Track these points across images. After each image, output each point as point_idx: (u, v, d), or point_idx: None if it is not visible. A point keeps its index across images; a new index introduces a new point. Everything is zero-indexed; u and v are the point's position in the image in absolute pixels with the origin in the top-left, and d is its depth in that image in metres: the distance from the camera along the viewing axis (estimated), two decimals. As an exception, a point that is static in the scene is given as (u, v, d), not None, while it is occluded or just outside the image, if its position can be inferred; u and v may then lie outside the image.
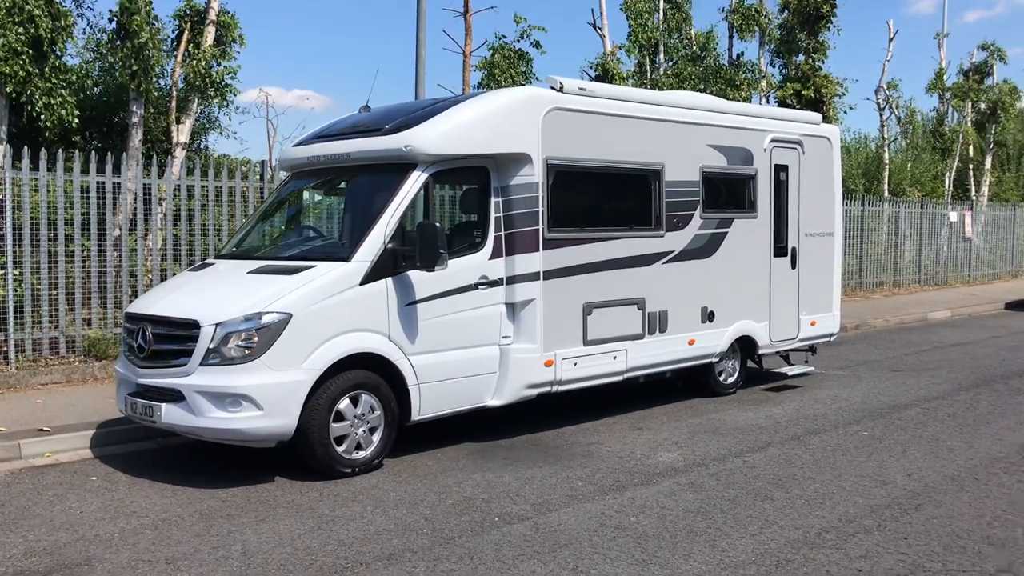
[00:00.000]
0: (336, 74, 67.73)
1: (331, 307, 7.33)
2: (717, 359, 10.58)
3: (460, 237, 8.66)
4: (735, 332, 10.75)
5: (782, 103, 22.58)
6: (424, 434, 8.49)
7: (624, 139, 9.33)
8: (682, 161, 9.96)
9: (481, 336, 8.34)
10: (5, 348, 10.81)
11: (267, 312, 7.11)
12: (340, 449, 7.41)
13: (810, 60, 22.97)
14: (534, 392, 8.67)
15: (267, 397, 7.02)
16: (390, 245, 7.65)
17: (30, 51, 11.26)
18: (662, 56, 21.16)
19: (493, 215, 8.42)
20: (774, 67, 24.60)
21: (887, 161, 28.59)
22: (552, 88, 8.83)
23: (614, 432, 8.96)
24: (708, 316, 10.34)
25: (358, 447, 7.53)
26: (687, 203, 10.05)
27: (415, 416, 7.89)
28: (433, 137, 8.05)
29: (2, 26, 11.03)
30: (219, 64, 13.03)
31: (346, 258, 7.57)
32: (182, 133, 13.15)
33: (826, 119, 22.70)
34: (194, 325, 7.19)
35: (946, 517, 6.32)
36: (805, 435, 8.78)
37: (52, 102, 11.59)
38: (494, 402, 8.47)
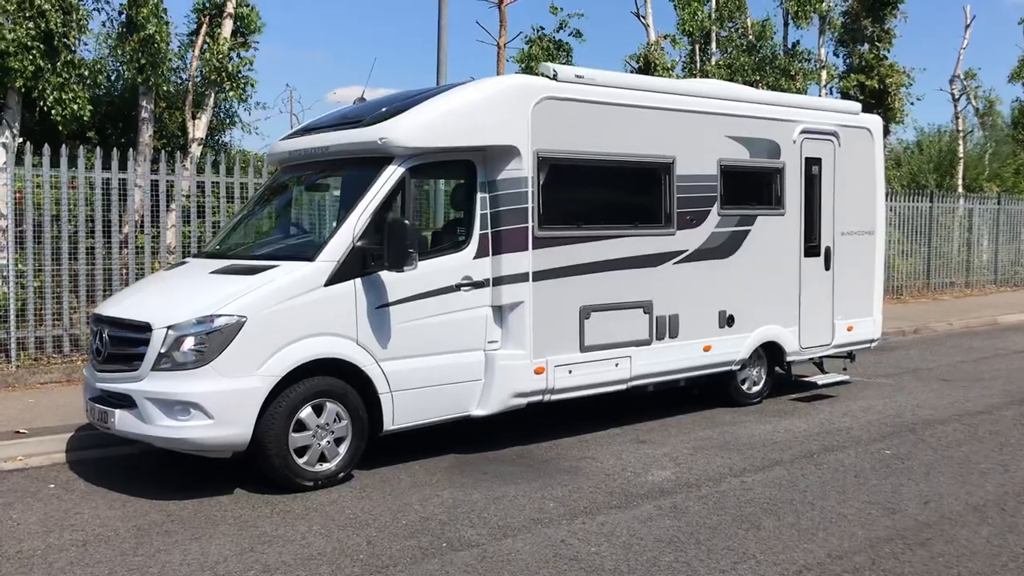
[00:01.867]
0: (412, 73, 67.91)
1: (291, 309, 6.87)
2: (738, 367, 9.84)
3: (442, 235, 8.15)
4: (759, 338, 9.99)
5: (844, 94, 21.50)
6: (408, 443, 7.99)
7: (629, 130, 8.68)
8: (697, 154, 9.26)
9: (464, 341, 7.80)
10: (7, 346, 10.69)
11: (219, 315, 6.69)
12: (301, 461, 6.95)
13: (874, 49, 21.80)
14: (523, 401, 8.10)
15: (218, 405, 6.60)
16: (360, 243, 7.16)
17: (41, 46, 11.10)
18: (714, 46, 20.25)
19: (479, 212, 7.87)
20: (837, 56, 23.46)
21: (961, 155, 27.08)
22: (545, 76, 8.22)
23: (613, 445, 8.33)
24: (727, 321, 9.61)
25: (322, 459, 7.07)
26: (702, 199, 9.33)
27: (388, 426, 7.40)
28: (409, 129, 7.54)
29: (13, 21, 10.87)
30: (236, 56, 12.73)
31: (311, 257, 7.11)
32: (198, 128, 12.92)
33: (891, 110, 21.67)
34: (146, 328, 6.82)
35: (955, 556, 5.55)
36: (820, 452, 8.02)
37: (64, 97, 11.42)
38: (479, 412, 7.93)
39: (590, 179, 8.58)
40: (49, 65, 11.37)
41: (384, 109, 7.94)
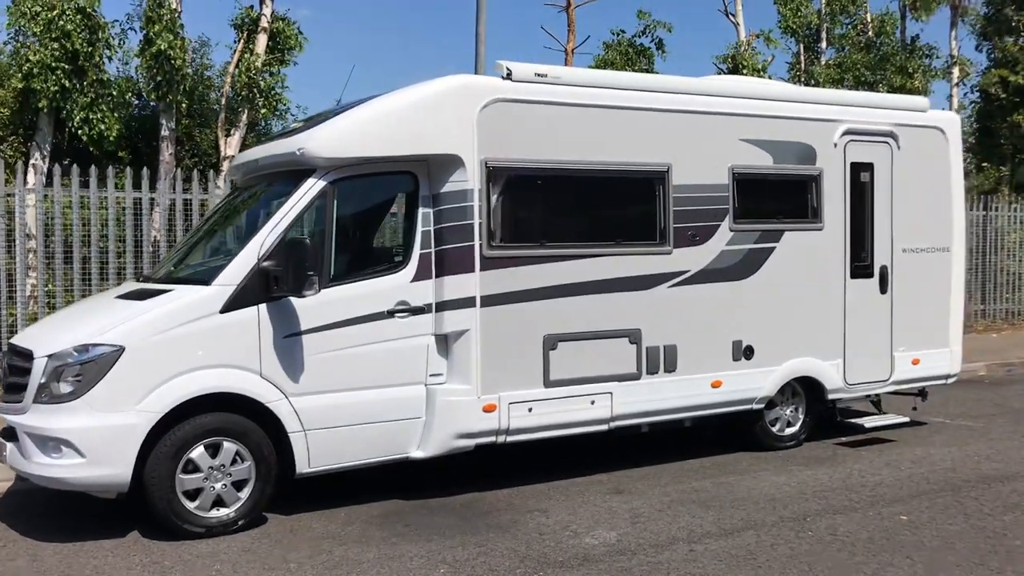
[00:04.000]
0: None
1: (178, 339, 6.24)
2: (761, 406, 8.50)
3: (374, 255, 7.35)
4: (788, 372, 8.62)
5: (984, 92, 19.24)
6: (353, 485, 7.23)
7: (608, 135, 7.61)
8: (700, 160, 8.06)
9: (400, 374, 6.96)
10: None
11: (96, 344, 6.14)
12: (191, 505, 6.29)
13: (1019, 41, 19.38)
14: (470, 443, 7.17)
15: (89, 443, 6.04)
16: (266, 265, 6.45)
17: (65, 66, 11.11)
18: (824, 44, 18.51)
19: (420, 229, 7.02)
20: (980, 51, 21.06)
21: None
22: (500, 76, 7.28)
23: (580, 496, 7.25)
24: (743, 352, 8.32)
25: (219, 503, 6.39)
26: (709, 212, 8.11)
27: (302, 469, 6.65)
28: (328, 138, 6.81)
29: (39, 42, 10.93)
30: (271, 72, 12.41)
31: (207, 281, 6.47)
32: (230, 146, 12.68)
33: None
34: (30, 356, 6.36)
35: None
36: (818, 514, 6.67)
37: (92, 117, 11.39)
38: (419, 454, 7.06)
39: (557, 192, 7.56)
40: (77, 85, 11.35)
41: (319, 118, 7.25)
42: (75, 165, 10.50)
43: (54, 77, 10.96)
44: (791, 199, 8.66)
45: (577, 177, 7.57)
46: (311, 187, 6.72)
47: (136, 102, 13.78)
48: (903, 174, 9.22)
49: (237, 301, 6.39)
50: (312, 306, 6.59)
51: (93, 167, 10.34)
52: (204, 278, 6.54)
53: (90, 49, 11.23)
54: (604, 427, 7.72)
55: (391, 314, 6.88)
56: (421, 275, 6.99)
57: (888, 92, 18.11)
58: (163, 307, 6.32)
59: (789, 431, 8.89)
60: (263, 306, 6.46)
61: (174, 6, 11.77)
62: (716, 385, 8.18)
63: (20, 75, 10.74)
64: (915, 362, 9.34)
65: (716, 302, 8.15)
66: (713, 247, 8.13)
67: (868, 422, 9.14)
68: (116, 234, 10.83)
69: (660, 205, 7.87)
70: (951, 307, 9.62)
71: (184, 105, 12.55)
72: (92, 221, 10.50)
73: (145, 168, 10.78)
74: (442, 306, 7.02)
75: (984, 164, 21.45)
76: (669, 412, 8.02)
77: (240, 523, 6.43)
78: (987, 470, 7.95)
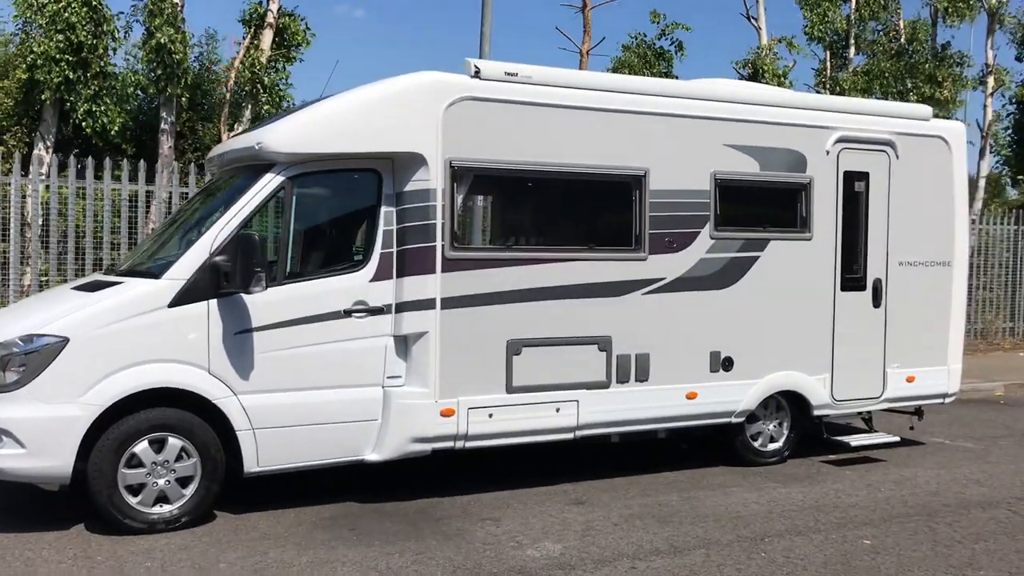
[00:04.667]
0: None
1: (124, 332, 6.17)
2: (740, 419, 8.25)
3: (333, 254, 7.23)
4: (770, 386, 8.35)
5: (1021, 103, 18.63)
6: (315, 484, 7.13)
7: (581, 137, 7.42)
8: (680, 165, 7.84)
9: (356, 375, 6.84)
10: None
11: (40, 335, 6.10)
12: (133, 501, 6.23)
13: (1061, 50, 18.76)
14: (427, 447, 7.02)
15: (29, 433, 6.00)
16: (218, 260, 6.37)
17: (69, 57, 11.18)
18: (853, 51, 18.07)
19: (382, 228, 6.90)
20: (1021, 61, 20.42)
21: None
22: (469, 74, 7.13)
23: (537, 506, 7.07)
24: (722, 363, 8.07)
25: (162, 500, 6.32)
26: (688, 218, 7.89)
27: (251, 468, 6.55)
28: (287, 132, 6.73)
29: (44, 34, 11.01)
30: (275, 67, 12.39)
31: (157, 274, 6.41)
32: (234, 140, 12.64)
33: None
34: (-22, 345, 6.34)
35: None
36: (778, 535, 6.42)
37: (96, 109, 11.45)
38: (373, 457, 6.93)
39: (526, 194, 7.41)
40: (81, 77, 11.42)
41: (289, 112, 7.17)
42: (72, 156, 10.54)
43: (58, 69, 11.04)
44: (778, 207, 8.40)
45: (548, 180, 7.39)
46: (268, 182, 6.63)
47: (141, 95, 13.86)
48: (901, 184, 8.90)
49: (187, 295, 6.31)
50: (265, 303, 6.50)
51: (90, 159, 10.39)
52: (156, 271, 6.48)
53: (94, 41, 11.28)
54: (570, 436, 7.53)
55: (348, 314, 6.76)
56: (381, 275, 6.87)
57: (919, 101, 17.67)
58: (110, 300, 6.27)
59: (772, 447, 8.62)
60: (214, 301, 6.38)
61: (176, 0, 11.80)
62: (691, 396, 7.94)
63: (24, 66, 10.82)
64: (910, 379, 9.01)
65: (693, 311, 7.92)
66: (692, 255, 7.89)
67: (855, 440, 8.82)
68: (114, 226, 10.86)
69: (635, 210, 7.67)
70: (951, 323, 9.27)
71: (185, 99, 12.58)
72: (87, 213, 10.53)
73: (141, 161, 10.80)
74: (401, 307, 6.89)
75: (1021, 177, 20.83)
76: (640, 423, 7.81)
77: (184, 520, 6.34)
78: (972, 495, 7.61)
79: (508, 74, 7.19)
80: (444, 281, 6.93)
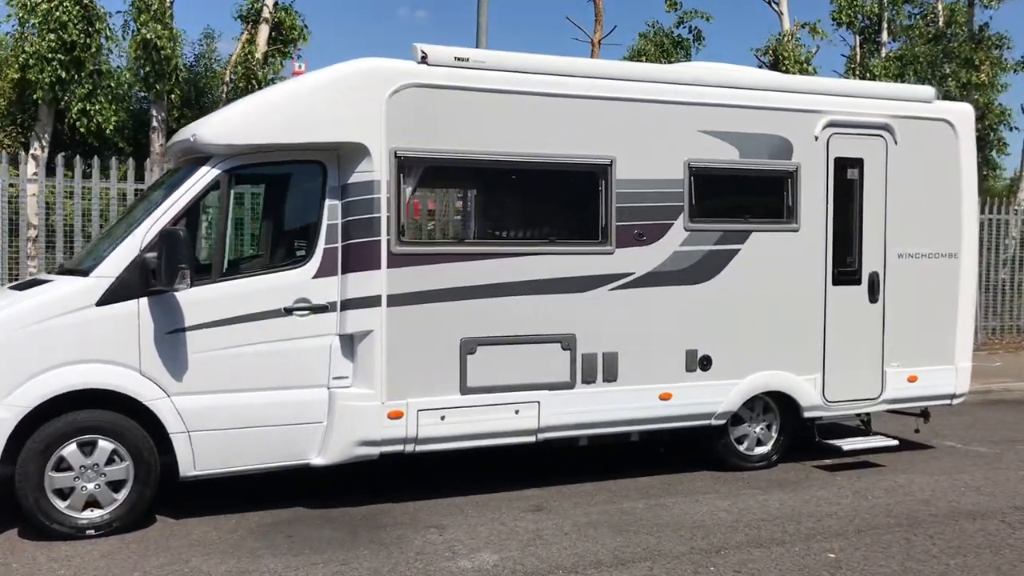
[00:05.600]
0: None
1: (49, 331, 5.99)
2: (722, 421, 7.80)
3: (274, 249, 6.98)
4: (754, 386, 7.88)
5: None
6: (272, 488, 6.90)
7: (540, 125, 7.05)
8: (650, 153, 7.42)
9: (299, 376, 6.58)
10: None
11: (-36, 335, 5.95)
12: (61, 505, 6.04)
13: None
14: (374, 451, 6.73)
15: (-49, 436, 5.86)
16: (148, 256, 6.15)
17: (61, 56, 11.15)
18: (885, 35, 17.31)
19: (326, 223, 6.62)
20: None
21: None
22: (416, 59, 6.81)
23: (489, 512, 6.73)
24: (699, 363, 7.63)
25: (92, 504, 6.13)
26: (659, 210, 7.46)
27: (187, 472, 6.33)
28: (221, 123, 6.51)
29: (38, 34, 11.00)
30: (273, 62, 12.23)
31: (87, 272, 6.22)
32: (229, 138, 12.50)
33: None
34: (-93, 346, 6.21)
35: None
36: (736, 548, 5.99)
37: (91, 109, 11.40)
38: (319, 461, 6.66)
39: (480, 185, 7.09)
40: (75, 76, 11.38)
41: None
42: (60, 156, 10.48)
43: (50, 68, 11.01)
44: (760, 197, 7.92)
45: (504, 170, 7.05)
46: (203, 176, 6.40)
47: (138, 94, 13.83)
48: (901, 171, 8.35)
49: (116, 294, 6.11)
50: (200, 301, 6.28)
51: (78, 157, 10.32)
52: (87, 269, 6.29)
53: (87, 40, 11.24)
54: (531, 439, 7.17)
55: (288, 312, 6.50)
56: (325, 271, 6.59)
57: (957, 87, 16.86)
58: (36, 299, 6.10)
59: (759, 450, 8.14)
60: (144, 300, 6.16)
61: (165, -4, 11.74)
62: (665, 397, 7.52)
63: (16, 66, 10.82)
64: (912, 379, 8.45)
65: (667, 307, 7.50)
66: (664, 248, 7.47)
67: (848, 444, 8.27)
68: (103, 224, 10.77)
69: (601, 202, 7.27)
70: (958, 319, 8.67)
71: (175, 96, 12.49)
72: (77, 212, 10.47)
73: (131, 159, 10.71)
74: (346, 305, 6.61)
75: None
76: (608, 425, 7.42)
77: (115, 525, 6.15)
78: (965, 504, 7.06)
79: (458, 59, 6.85)
80: (390, 277, 6.63)
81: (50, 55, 11.02)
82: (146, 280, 6.13)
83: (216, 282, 6.39)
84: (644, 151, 7.38)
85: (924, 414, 8.84)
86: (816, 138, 7.99)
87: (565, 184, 7.29)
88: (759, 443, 8.15)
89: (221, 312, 6.34)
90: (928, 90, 8.76)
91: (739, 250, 7.73)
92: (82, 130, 11.52)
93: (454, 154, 6.82)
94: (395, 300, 6.65)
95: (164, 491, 6.41)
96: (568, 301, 7.17)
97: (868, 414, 8.63)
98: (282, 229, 7.19)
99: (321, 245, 6.60)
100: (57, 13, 11.02)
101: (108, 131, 11.76)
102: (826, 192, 8.06)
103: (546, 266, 7.09)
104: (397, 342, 6.66)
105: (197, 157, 6.66)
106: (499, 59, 7.02)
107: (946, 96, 17.02)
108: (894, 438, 8.69)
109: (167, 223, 6.22)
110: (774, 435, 8.17)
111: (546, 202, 7.30)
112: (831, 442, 8.24)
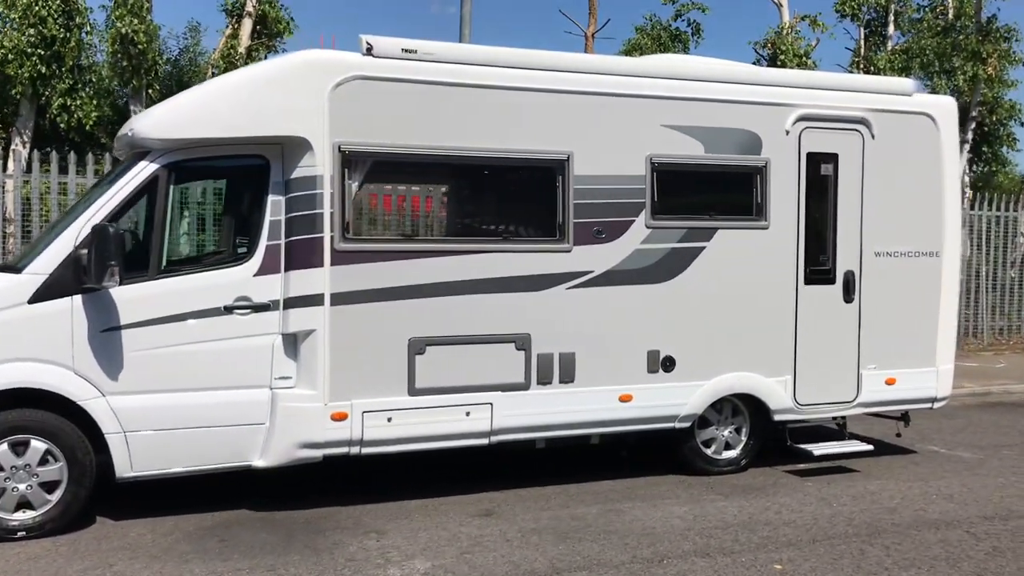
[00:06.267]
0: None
1: (-23, 330, 5.88)
2: (686, 424, 7.57)
3: (215, 246, 6.84)
4: (719, 388, 7.65)
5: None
6: (225, 488, 6.77)
7: (493, 119, 6.86)
8: (610, 148, 7.20)
9: (240, 375, 6.43)
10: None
11: None
12: (-9, 507, 5.94)
13: None
14: (316, 453, 6.56)
15: None
16: (82, 253, 6.02)
17: (41, 52, 11.09)
18: (891, 28, 16.92)
19: (268, 219, 6.47)
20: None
21: None
22: (361, 51, 6.63)
23: (442, 517, 6.55)
24: (662, 364, 7.41)
25: (24, 506, 6.01)
26: (619, 206, 7.24)
27: (123, 472, 6.20)
28: (159, 117, 6.38)
29: (17, 29, 10.94)
30: (257, 56, 12.10)
31: (19, 269, 6.10)
32: (212, 133, 12.40)
33: None
34: None
35: None
36: (680, 557, 5.77)
37: (71, 104, 11.33)
38: (261, 463, 6.51)
39: (430, 181, 6.90)
40: (55, 71, 11.32)
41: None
42: (35, 151, 10.43)
43: (30, 63, 10.96)
44: (727, 193, 7.68)
45: (454, 165, 6.86)
46: (141, 171, 6.27)
47: (121, 89, 13.76)
48: (878, 167, 8.07)
49: (49, 291, 5.99)
50: (137, 299, 6.15)
51: (52, 153, 10.25)
52: (20, 266, 6.18)
53: (67, 35, 11.17)
54: (484, 441, 6.98)
55: (229, 310, 6.35)
56: (267, 269, 6.44)
57: (963, 80, 16.43)
58: (-37, 296, 5.98)
59: (727, 454, 7.90)
60: (79, 297, 6.04)
61: (142, -11, 11.64)
62: (625, 399, 7.31)
63: (-6, 62, 10.79)
64: (890, 382, 8.17)
65: (627, 307, 7.28)
66: (624, 245, 7.25)
67: (819, 449, 8.00)
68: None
69: (558, 198, 7.06)
70: (940, 320, 8.38)
71: (154, 91, 12.39)
72: (52, 207, 10.41)
73: (108, 154, 10.62)
74: (289, 303, 6.45)
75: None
76: (565, 427, 7.21)
77: (48, 527, 6.03)
78: (932, 513, 6.79)
79: (406, 51, 6.66)
80: (334, 275, 6.46)
81: (30, 50, 10.99)
82: (79, 277, 6.00)
83: (154, 279, 6.25)
84: (603, 146, 7.16)
85: (904, 418, 8.56)
86: (787, 132, 7.73)
87: (520, 180, 7.10)
88: (728, 447, 7.92)
89: (158, 310, 6.21)
90: (907, 82, 8.46)
91: (704, 248, 7.49)
92: (63, 126, 11.47)
93: (402, 149, 6.64)
94: (339, 299, 6.48)
95: (120, 492, 6.31)
96: (523, 300, 6.97)
97: (844, 417, 8.35)
98: (225, 225, 7.05)
99: (263, 242, 6.45)
100: (37, 8, 10.98)
101: (89, 126, 11.71)
102: (798, 188, 7.81)
103: (500, 264, 6.90)
104: (341, 342, 6.50)
105: (139, 152, 6.52)
106: (450, 51, 6.83)
107: (955, 91, 16.64)
108: (869, 443, 8.43)
109: (103, 218, 6.09)
110: (743, 439, 7.93)
111: (500, 198, 7.11)
112: (803, 446, 7.98)
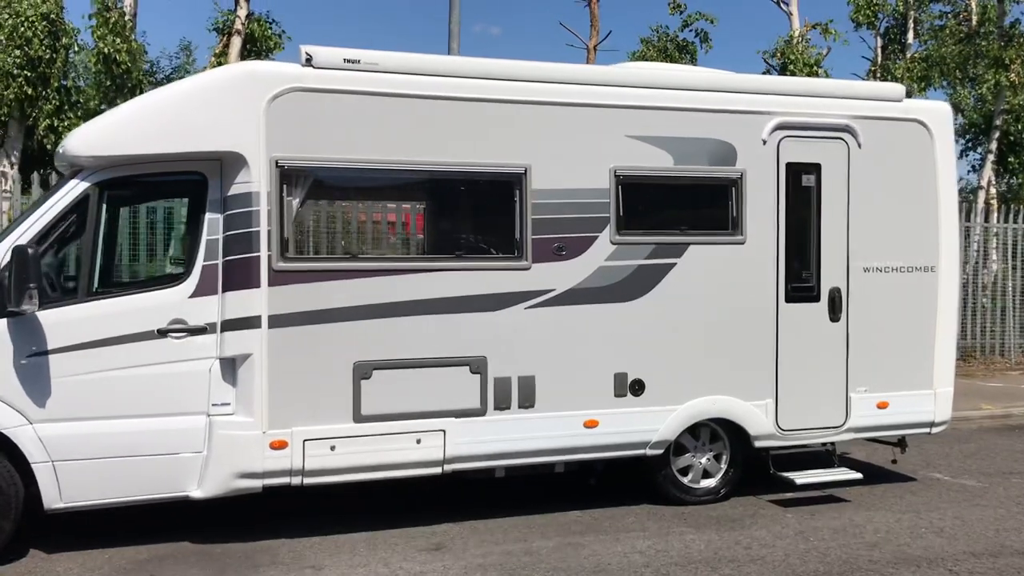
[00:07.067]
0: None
1: None
2: (658, 451, 7.15)
3: (148, 267, 6.57)
4: (694, 413, 7.22)
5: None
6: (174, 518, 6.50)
7: (443, 131, 6.53)
8: (570, 161, 6.84)
9: (175, 402, 6.15)
10: None
11: None
12: (-90, 539, 5.71)
13: None
14: (256, 484, 6.25)
15: None
16: (5, 275, 5.79)
17: (28, 73, 11.03)
18: (911, 36, 16.36)
19: (205, 238, 6.20)
20: None
21: None
22: (300, 61, 6.36)
23: (387, 552, 6.20)
24: (630, 387, 7.00)
25: (-51, 538, 5.78)
26: (582, 221, 6.88)
27: (52, 503, 5.94)
28: (88, 134, 6.15)
29: (3, 51, 10.90)
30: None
31: (-60, 292, 5.89)
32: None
33: None
34: None
35: None
36: (628, 599, 5.35)
37: (59, 125, 11.26)
38: (198, 493, 6.21)
39: (374, 196, 6.61)
40: (42, 92, 11.26)
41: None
42: (16, 171, 10.34)
43: (16, 84, 10.90)
44: (699, 207, 7.28)
45: (402, 180, 6.56)
46: (71, 189, 6.04)
47: (107, 109, 13.64)
48: (865, 177, 7.62)
49: (-30, 314, 5.77)
50: (65, 322, 5.90)
51: (35, 175, 10.14)
52: (-58, 289, 5.96)
53: (53, 55, 11.11)
54: (437, 470, 6.62)
55: (163, 334, 6.08)
56: (203, 290, 6.16)
57: (989, 90, 15.82)
58: None
59: (705, 483, 7.46)
60: (3, 321, 5.80)
61: (125, 9, 11.53)
62: (591, 425, 6.91)
63: (-21, 83, 10.75)
64: (882, 406, 7.68)
65: (591, 328, 6.89)
66: (587, 263, 6.87)
67: (802, 477, 7.50)
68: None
69: (515, 213, 6.71)
70: (937, 339, 7.87)
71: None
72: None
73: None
74: (226, 326, 6.17)
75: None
76: (526, 455, 6.83)
77: (-29, 561, 5.80)
78: (916, 549, 6.29)
79: (348, 61, 6.37)
80: (272, 296, 6.17)
81: (16, 71, 10.94)
82: (2, 301, 5.77)
83: (83, 302, 6.00)
84: (564, 158, 6.80)
85: (901, 443, 8.04)
86: (764, 142, 7.32)
87: (473, 194, 6.76)
88: (706, 475, 7.48)
89: (88, 334, 5.96)
90: (896, 88, 7.99)
91: (675, 264, 7.09)
92: (49, 147, 11.40)
93: (345, 163, 6.34)
94: (277, 321, 6.19)
95: (59, 523, 6.08)
96: (478, 320, 6.62)
97: (834, 444, 7.85)
98: (160, 245, 6.80)
99: (200, 262, 6.18)
100: (22, 29, 10.93)
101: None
102: (777, 201, 7.38)
103: (453, 283, 6.56)
104: (280, 366, 6.19)
105: (75, 169, 6.30)
106: (396, 61, 6.52)
107: (978, 99, 16.02)
108: (870, 469, 7.94)
109: (29, 240, 5.87)
110: (723, 466, 7.49)
111: (452, 214, 6.79)
112: (785, 475, 7.50)
